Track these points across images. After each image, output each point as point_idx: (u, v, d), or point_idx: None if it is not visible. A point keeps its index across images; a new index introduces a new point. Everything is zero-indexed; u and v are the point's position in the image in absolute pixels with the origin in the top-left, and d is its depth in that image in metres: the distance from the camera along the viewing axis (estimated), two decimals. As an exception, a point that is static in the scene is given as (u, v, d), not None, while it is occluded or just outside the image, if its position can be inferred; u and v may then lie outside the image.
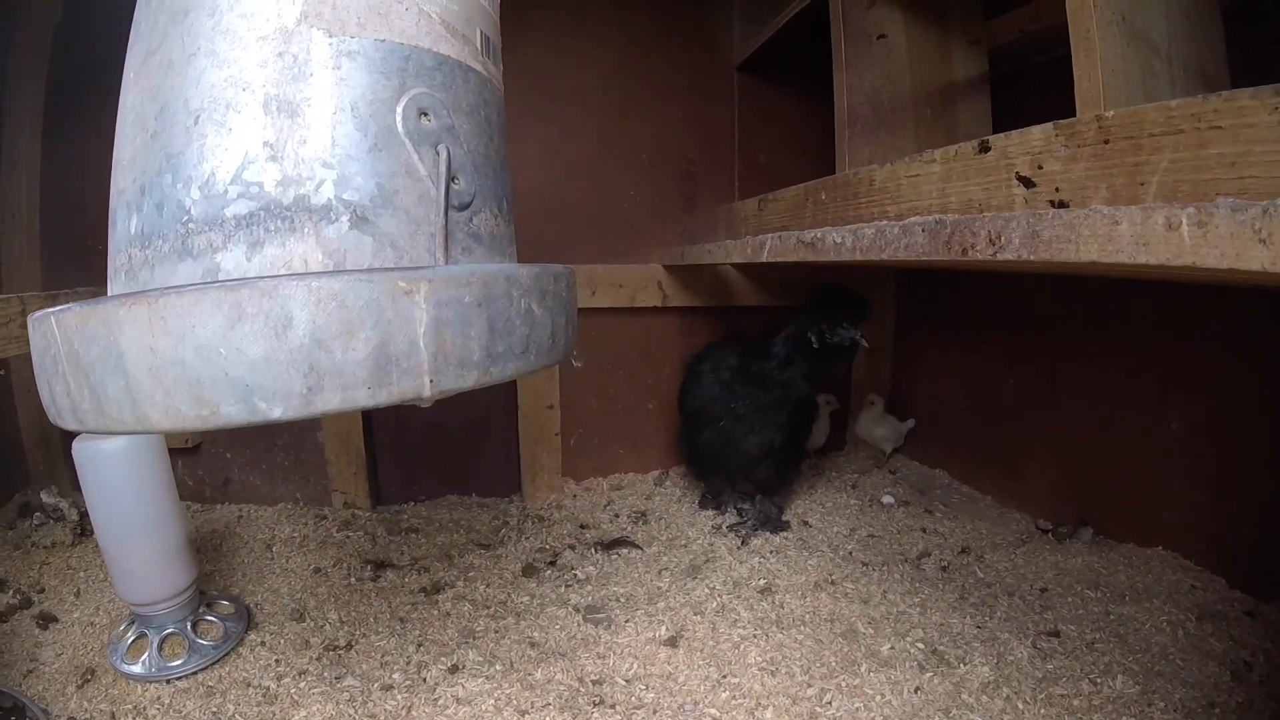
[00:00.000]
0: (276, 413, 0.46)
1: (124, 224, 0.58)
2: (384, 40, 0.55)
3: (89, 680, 1.09)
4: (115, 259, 0.60)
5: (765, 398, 1.49)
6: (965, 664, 1.07)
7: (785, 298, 1.91)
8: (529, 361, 0.56)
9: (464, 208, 0.59)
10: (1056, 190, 0.68)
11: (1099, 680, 1.01)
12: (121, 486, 1.09)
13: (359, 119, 0.54)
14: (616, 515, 1.72)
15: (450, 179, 0.57)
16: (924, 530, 1.60)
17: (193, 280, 0.54)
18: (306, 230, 0.53)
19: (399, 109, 0.55)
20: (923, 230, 0.76)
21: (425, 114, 0.57)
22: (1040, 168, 0.70)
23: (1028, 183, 0.71)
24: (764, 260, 1.20)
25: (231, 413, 0.47)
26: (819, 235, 1.02)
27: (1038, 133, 0.69)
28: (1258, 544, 1.20)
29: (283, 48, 0.54)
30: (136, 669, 1.09)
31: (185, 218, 0.54)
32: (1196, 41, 0.84)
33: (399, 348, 0.47)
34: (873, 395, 2.06)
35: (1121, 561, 1.35)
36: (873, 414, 2.05)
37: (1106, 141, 0.62)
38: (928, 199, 0.90)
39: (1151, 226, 0.47)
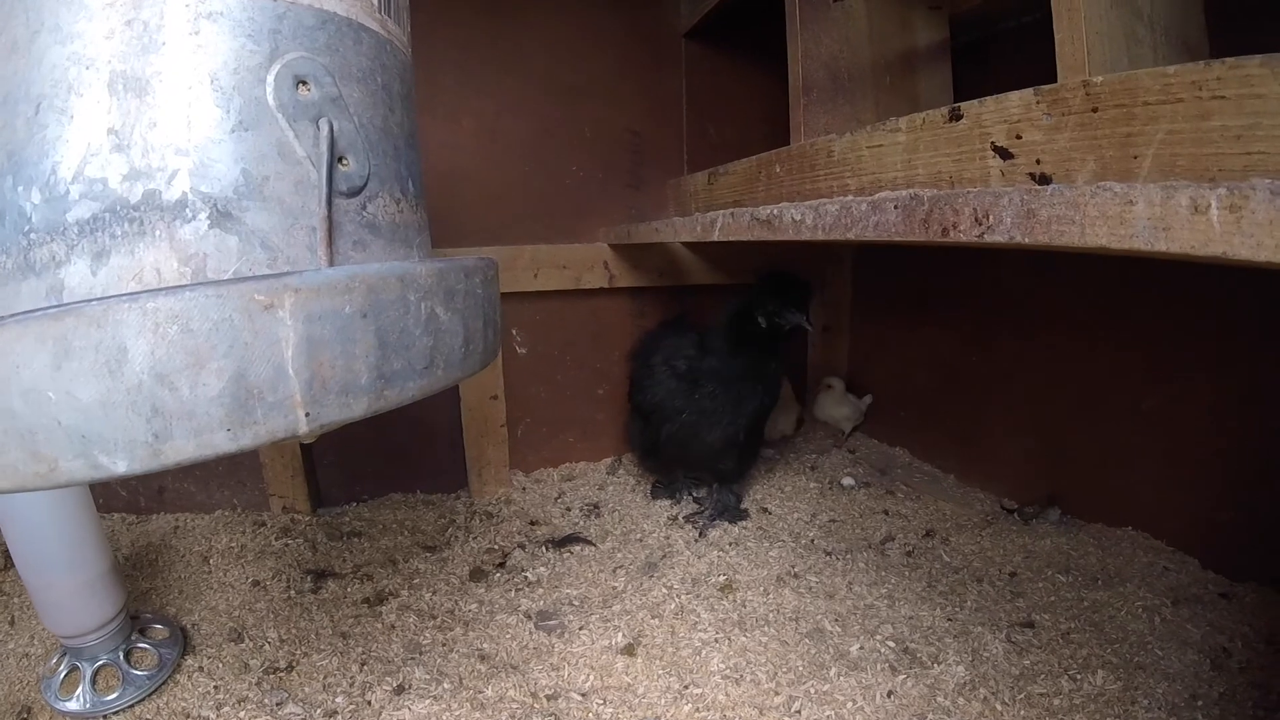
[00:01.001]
0: (121, 467, 0.38)
1: (-27, 241, 0.49)
2: (253, -3, 0.46)
3: (26, 720, 1.01)
4: (-31, 284, 0.50)
5: (724, 389, 1.42)
6: (939, 663, 1.02)
7: (740, 275, 1.83)
8: (436, 377, 0.48)
9: (355, 193, 0.50)
10: (1037, 162, 0.61)
11: (1078, 676, 0.97)
12: (33, 513, 0.99)
13: (220, 93, 0.45)
14: (568, 508, 1.65)
15: (335, 159, 0.48)
16: (886, 513, 1.56)
17: (37, 302, 0.45)
18: (158, 233, 0.43)
19: (270, 78, 0.46)
20: (895, 207, 0.68)
21: (303, 82, 0.47)
22: (1019, 138, 0.63)
23: (1004, 154, 0.64)
24: (715, 239, 1.12)
25: (72, 469, 0.38)
26: (775, 212, 0.94)
27: (1016, 99, 0.62)
28: (1230, 524, 1.17)
29: (132, 14, 0.44)
30: (72, 705, 1.01)
31: (27, 227, 0.45)
32: (1177, 7, 0.78)
33: (261, 377, 0.39)
34: (830, 378, 2.02)
35: (1091, 543, 1.32)
36: (834, 395, 2.01)
37: (1095, 110, 0.55)
38: (892, 171, 0.83)
39: (1173, 208, 0.40)
